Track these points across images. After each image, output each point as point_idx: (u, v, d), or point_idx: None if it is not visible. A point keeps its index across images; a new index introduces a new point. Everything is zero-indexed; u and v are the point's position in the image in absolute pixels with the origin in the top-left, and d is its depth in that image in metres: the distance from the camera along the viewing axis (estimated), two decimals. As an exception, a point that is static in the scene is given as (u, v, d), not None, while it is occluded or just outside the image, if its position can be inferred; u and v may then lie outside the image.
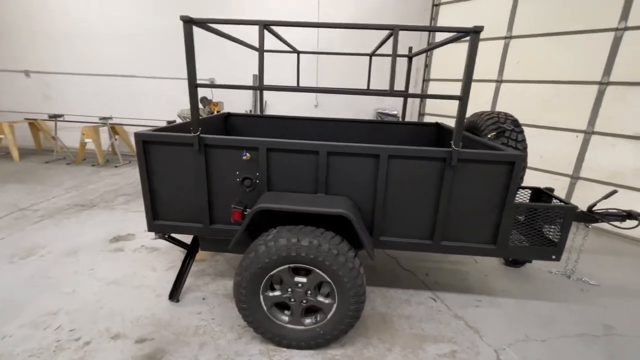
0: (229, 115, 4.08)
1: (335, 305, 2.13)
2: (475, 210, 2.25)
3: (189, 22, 1.98)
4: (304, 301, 2.17)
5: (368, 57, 4.08)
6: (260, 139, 2.19)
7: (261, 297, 2.15)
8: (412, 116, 6.83)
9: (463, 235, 2.32)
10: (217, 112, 6.61)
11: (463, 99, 1.98)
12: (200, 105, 6.37)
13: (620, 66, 4.11)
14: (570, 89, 4.52)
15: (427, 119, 6.49)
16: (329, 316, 2.17)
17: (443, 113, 6.06)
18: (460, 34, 1.99)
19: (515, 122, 2.65)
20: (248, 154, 2.22)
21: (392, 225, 2.32)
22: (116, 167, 6.57)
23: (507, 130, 2.59)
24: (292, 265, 2.05)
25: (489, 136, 2.63)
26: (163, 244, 3.59)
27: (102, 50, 6.97)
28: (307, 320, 2.23)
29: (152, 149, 2.29)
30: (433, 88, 6.25)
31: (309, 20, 6.51)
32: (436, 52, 6.10)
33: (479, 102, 5.29)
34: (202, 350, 2.23)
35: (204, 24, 2.11)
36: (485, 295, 2.94)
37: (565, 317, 2.70)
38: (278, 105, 7.04)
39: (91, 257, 3.29)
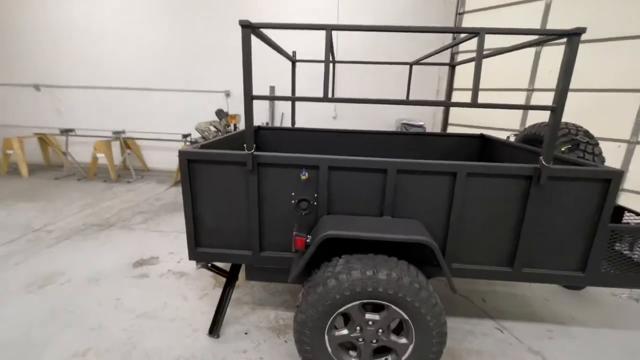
0: (259, 128, 3.86)
1: (412, 347, 1.86)
2: (562, 234, 2.00)
3: (247, 27, 1.76)
4: (375, 341, 1.90)
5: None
6: (321, 156, 1.96)
7: (326, 337, 1.87)
8: (434, 127, 6.64)
9: (546, 262, 2.06)
10: (235, 125, 6.41)
11: (557, 110, 1.76)
12: (216, 119, 6.18)
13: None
14: (612, 97, 4.33)
15: (451, 129, 6.29)
16: (403, 358, 1.89)
17: (468, 123, 5.87)
18: (555, 36, 1.77)
19: (588, 134, 2.43)
20: (307, 173, 1.98)
21: (467, 252, 2.07)
22: (129, 182, 6.32)
23: (582, 143, 2.37)
24: (365, 301, 1.78)
25: (562, 150, 2.40)
26: (191, 268, 3.32)
27: (114, 63, 6.80)
28: (377, 362, 1.95)
29: (198, 169, 2.06)
30: (457, 97, 6.06)
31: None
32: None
33: (512, 112, 5.10)
34: (257, 399, 1.94)
35: (261, 29, 1.88)
36: (555, 324, 2.66)
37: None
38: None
39: (115, 285, 3.01)
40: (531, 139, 2.79)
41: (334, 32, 6.22)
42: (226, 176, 2.05)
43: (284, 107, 6.74)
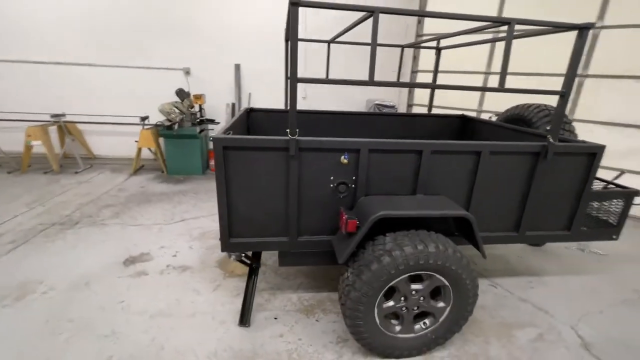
0: (251, 110, 3.68)
1: (448, 308, 2.08)
2: (557, 200, 2.37)
3: (295, 5, 1.67)
4: (416, 308, 2.08)
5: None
6: (362, 140, 2.00)
7: (376, 310, 2.00)
8: (400, 107, 6.97)
9: (543, 225, 2.43)
10: (200, 105, 5.97)
11: (565, 95, 2.04)
12: (177, 99, 5.67)
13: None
14: (541, 80, 5.02)
15: (416, 109, 6.69)
16: (440, 320, 2.12)
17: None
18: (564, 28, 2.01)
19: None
20: (348, 157, 2.01)
21: (485, 221, 2.33)
22: (77, 173, 5.54)
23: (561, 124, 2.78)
24: (413, 273, 1.93)
25: (547, 128, 2.78)
26: (192, 260, 3.15)
27: (49, 34, 5.71)
28: (416, 327, 2.14)
29: (233, 156, 1.94)
30: (421, 79, 6.44)
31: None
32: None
33: (469, 93, 5.60)
34: (310, 377, 2.01)
35: (306, 7, 1.79)
36: (532, 276, 3.17)
37: (603, 287, 3.05)
38: (260, 99, 6.55)
39: (111, 287, 2.74)
40: (514, 118, 3.17)
41: (301, 11, 6.13)
42: (264, 162, 1.98)
43: (250, 86, 6.42)
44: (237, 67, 6.30)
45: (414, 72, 6.52)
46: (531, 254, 3.61)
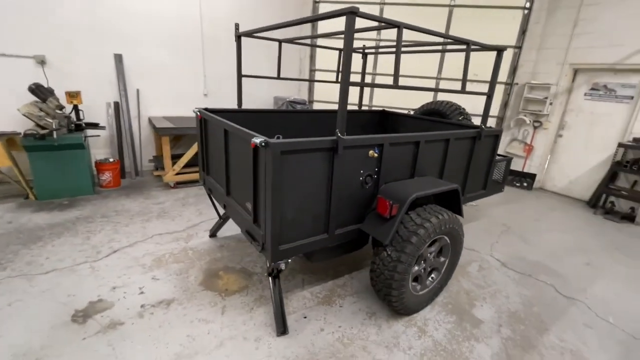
0: (205, 109, 3.26)
1: (447, 260, 2.70)
2: (479, 169, 3.35)
3: (353, 14, 1.78)
4: (430, 267, 2.60)
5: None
6: (385, 135, 2.30)
7: (410, 276, 2.39)
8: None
9: (471, 188, 3.39)
10: (76, 106, 4.67)
11: (490, 95, 2.94)
12: (35, 98, 4.25)
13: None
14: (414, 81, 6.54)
15: (317, 105, 7.26)
16: (442, 271, 2.72)
17: (329, 99, 7.03)
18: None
19: (464, 109, 3.93)
20: (378, 151, 2.27)
21: (448, 191, 3.06)
22: None
23: (465, 114, 3.83)
24: (435, 238, 2.42)
25: (460, 119, 3.77)
26: (170, 291, 2.68)
27: None
28: (427, 282, 2.67)
29: (287, 161, 1.89)
30: (319, 77, 7.02)
31: (189, 9, 5.54)
32: (319, 42, 6.84)
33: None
34: (386, 353, 2.23)
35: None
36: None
37: (489, 226, 4.44)
38: (153, 98, 5.62)
39: (84, 354, 2.05)
40: (430, 112, 4.10)
41: (199, 3, 5.84)
42: (311, 163, 2.00)
43: (139, 82, 5.41)
44: (119, 59, 5.18)
45: (313, 70, 7.04)
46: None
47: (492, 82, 2.92)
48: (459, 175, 3.12)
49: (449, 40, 2.78)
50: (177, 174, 5.02)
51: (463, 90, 2.67)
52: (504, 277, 3.27)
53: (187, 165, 5.13)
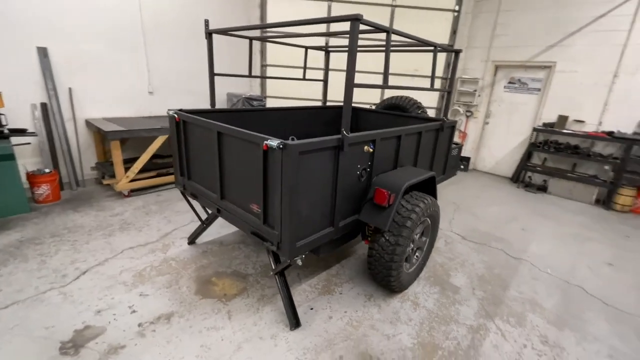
0: (181, 111, 3.07)
1: (428, 240, 3.05)
2: (441, 155, 3.79)
3: (356, 20, 1.91)
4: (416, 247, 2.91)
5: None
6: (376, 131, 2.50)
7: (404, 257, 2.66)
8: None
9: (436, 173, 3.82)
10: (-1, 110, 3.95)
11: (451, 92, 3.34)
12: None
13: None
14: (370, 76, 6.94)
15: (270, 101, 7.18)
16: (424, 249, 3.06)
17: (283, 95, 7.04)
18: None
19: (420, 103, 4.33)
20: (373, 147, 2.46)
21: (420, 178, 3.42)
22: None
23: (422, 108, 4.23)
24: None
25: (418, 112, 4.16)
26: (165, 305, 2.55)
27: None
28: (413, 260, 2.99)
29: (304, 161, 1.96)
30: (271, 72, 6.96)
31: (127, 6, 5.00)
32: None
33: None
34: (392, 327, 2.45)
35: None
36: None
37: (444, 205, 5.02)
38: (87, 96, 4.97)
39: (88, 385, 1.88)
40: (391, 106, 4.42)
41: None
42: (321, 161, 2.10)
43: (70, 80, 4.74)
44: (43, 52, 4.47)
45: (264, 65, 6.93)
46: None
47: (452, 80, 3.32)
48: (427, 163, 3.50)
49: (412, 41, 3.08)
50: (132, 180, 4.60)
51: (432, 88, 3.00)
52: (466, 248, 3.79)
53: (140, 171, 4.73)
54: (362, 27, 2.08)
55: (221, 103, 6.48)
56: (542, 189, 6.17)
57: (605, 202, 5.54)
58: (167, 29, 5.54)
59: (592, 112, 5.68)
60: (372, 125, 4.51)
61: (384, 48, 2.40)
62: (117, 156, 4.44)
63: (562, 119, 5.87)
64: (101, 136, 5.07)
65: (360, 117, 4.73)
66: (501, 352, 2.33)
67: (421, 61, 6.92)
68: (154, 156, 5.11)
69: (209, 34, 3.12)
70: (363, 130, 4.31)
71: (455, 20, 6.69)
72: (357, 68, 2.06)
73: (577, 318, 2.74)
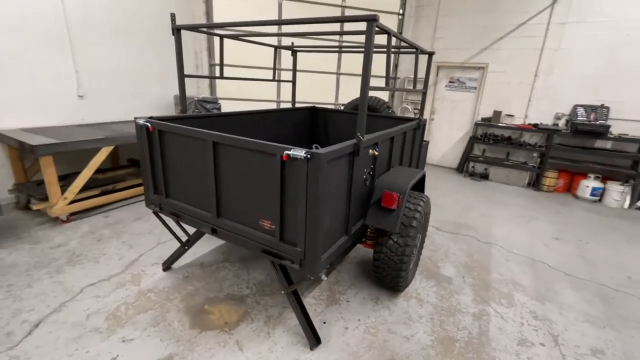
0: (152, 118, 2.63)
1: (420, 236, 3.15)
2: (416, 149, 3.95)
3: (372, 20, 1.84)
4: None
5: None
6: (378, 134, 2.46)
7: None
8: (202, 102, 6.62)
9: (412, 165, 3.98)
10: None
11: (426, 92, 3.49)
12: None
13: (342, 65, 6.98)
14: (325, 77, 6.96)
15: (224, 103, 6.69)
16: (417, 245, 3.15)
17: (235, 96, 6.65)
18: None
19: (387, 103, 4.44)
20: (377, 150, 2.42)
21: (403, 176, 3.51)
22: None
23: (390, 107, 4.34)
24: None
25: (389, 112, 4.24)
26: (155, 348, 2.19)
27: None
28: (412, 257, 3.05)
29: (327, 169, 1.82)
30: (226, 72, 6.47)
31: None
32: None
33: (268, 86, 6.51)
34: (407, 327, 2.44)
35: None
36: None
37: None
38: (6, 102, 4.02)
39: None
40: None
41: None
42: (340, 168, 1.99)
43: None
44: None
45: (212, 65, 6.43)
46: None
47: (426, 80, 3.47)
48: (407, 161, 3.61)
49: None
50: (71, 202, 3.85)
51: (414, 89, 3.09)
52: (444, 239, 4.02)
53: (80, 190, 3.99)
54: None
55: (167, 107, 5.85)
56: (484, 176, 6.90)
57: (535, 184, 6.44)
58: (98, 23, 4.77)
59: (520, 107, 6.54)
60: (342, 127, 4.50)
61: (380, 49, 2.39)
62: (51, 174, 3.66)
63: (497, 114, 6.64)
64: (19, 151, 4.15)
65: (328, 118, 4.68)
66: (506, 334, 2.51)
67: (377, 63, 7.15)
68: (95, 171, 4.36)
69: (177, 30, 2.74)
70: (333, 132, 4.29)
71: (400, 23, 7.07)
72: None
73: (551, 290, 3.10)
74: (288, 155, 1.77)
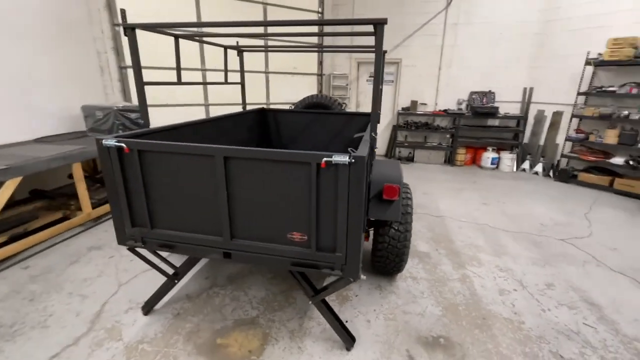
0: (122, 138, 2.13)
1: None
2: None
3: (382, 24, 1.91)
4: (400, 230, 3.23)
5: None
6: (367, 133, 2.57)
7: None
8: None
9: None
10: None
11: (381, 89, 3.74)
12: None
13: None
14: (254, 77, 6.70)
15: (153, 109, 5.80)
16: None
17: (153, 103, 5.88)
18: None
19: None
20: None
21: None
22: None
23: (343, 103, 4.47)
24: (406, 206, 3.03)
25: (342, 108, 4.36)
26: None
27: None
28: (397, 242, 3.30)
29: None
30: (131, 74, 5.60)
31: None
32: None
33: (195, 90, 5.99)
34: (416, 305, 2.65)
35: None
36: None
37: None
38: None
39: None
40: (313, 105, 4.44)
41: None
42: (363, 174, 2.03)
43: None
44: None
45: (123, 67, 5.50)
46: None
47: (377, 79, 3.72)
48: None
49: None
50: (-30, 259, 2.87)
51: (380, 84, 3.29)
52: (406, 219, 4.43)
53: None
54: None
55: (73, 120, 4.80)
56: (410, 159, 7.78)
57: (450, 160, 7.58)
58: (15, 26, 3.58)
59: (430, 96, 7.55)
60: (295, 127, 4.49)
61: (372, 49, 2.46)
62: None
63: (414, 103, 7.52)
64: None
65: (278, 118, 4.59)
66: (488, 289, 2.98)
67: (299, 60, 7.24)
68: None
69: (130, 29, 2.30)
70: (286, 133, 4.30)
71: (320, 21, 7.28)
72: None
73: (500, 245, 3.78)
74: (328, 162, 1.73)
